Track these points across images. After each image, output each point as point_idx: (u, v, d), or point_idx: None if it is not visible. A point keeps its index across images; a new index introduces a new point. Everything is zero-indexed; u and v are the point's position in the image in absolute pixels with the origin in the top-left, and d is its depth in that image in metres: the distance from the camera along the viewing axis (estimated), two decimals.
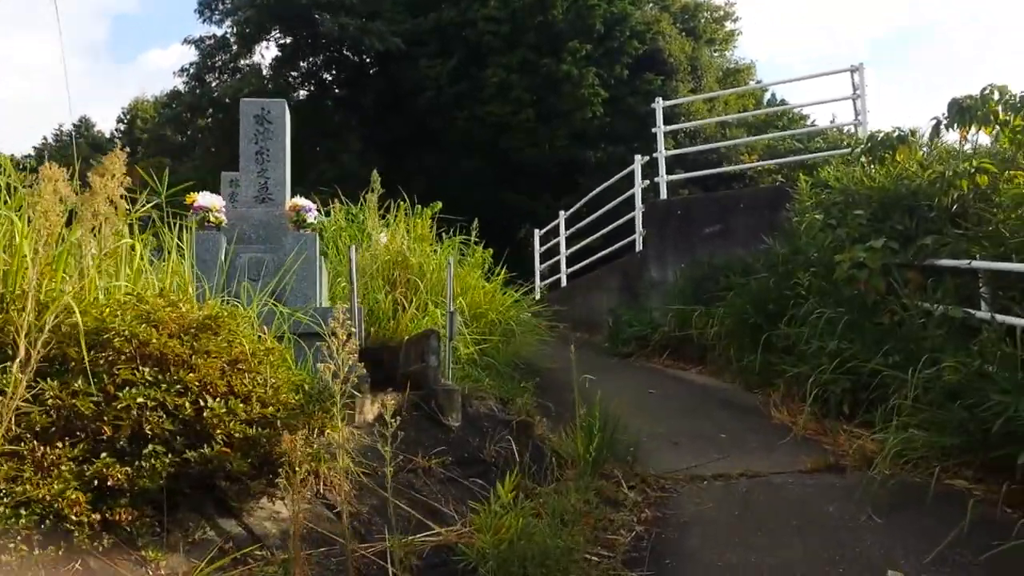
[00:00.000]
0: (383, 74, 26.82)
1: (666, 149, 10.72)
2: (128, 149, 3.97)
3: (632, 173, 11.05)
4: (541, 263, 14.38)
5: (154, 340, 2.99)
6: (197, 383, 3.05)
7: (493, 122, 22.98)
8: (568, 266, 13.27)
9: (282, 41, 28.51)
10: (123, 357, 2.94)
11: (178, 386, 3.01)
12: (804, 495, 4.64)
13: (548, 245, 14.09)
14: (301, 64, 29.42)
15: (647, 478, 4.92)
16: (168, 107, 29.99)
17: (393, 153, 26.10)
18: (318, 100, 29.64)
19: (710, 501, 4.61)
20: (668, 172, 10.67)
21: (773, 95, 29.63)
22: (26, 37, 76.06)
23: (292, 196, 6.10)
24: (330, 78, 29.43)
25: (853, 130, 10.86)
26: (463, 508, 4.06)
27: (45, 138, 47.86)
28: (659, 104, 10.91)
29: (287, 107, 6.18)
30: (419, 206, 8.77)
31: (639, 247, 10.73)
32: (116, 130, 44.68)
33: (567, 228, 13.16)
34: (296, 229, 5.70)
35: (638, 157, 11.08)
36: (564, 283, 13.24)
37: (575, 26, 23.56)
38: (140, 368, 2.98)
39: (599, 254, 12.15)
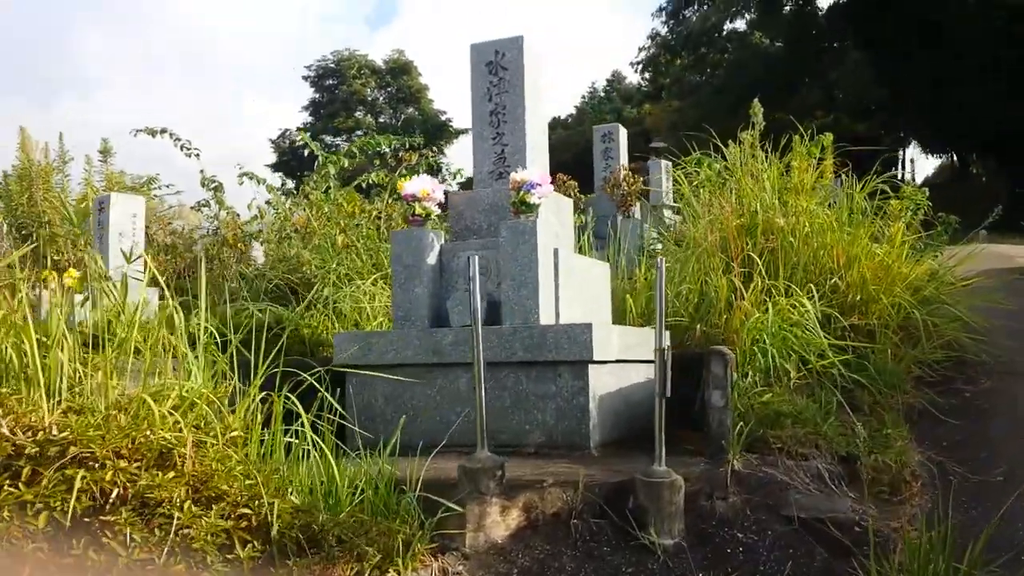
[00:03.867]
0: None
1: None
2: None
3: None
4: None
5: None
6: None
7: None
8: None
9: None
10: None
11: None
12: None
13: None
14: None
15: None
16: (644, 50, 29.60)
17: (889, 62, 22.03)
18: (805, 15, 26.46)
19: None
20: None
21: None
22: None
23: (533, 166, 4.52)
24: None
25: None
26: None
27: (583, 96, 51.83)
28: None
29: (524, 45, 4.56)
30: (809, 143, 6.39)
31: None
32: (643, 78, 44.58)
33: None
34: (516, 215, 4.13)
35: None
36: None
37: None
38: None
39: None
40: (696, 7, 27.60)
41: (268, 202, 7.96)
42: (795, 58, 25.86)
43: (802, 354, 4.51)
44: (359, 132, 36.23)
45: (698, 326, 5.14)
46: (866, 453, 3.83)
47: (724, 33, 29.52)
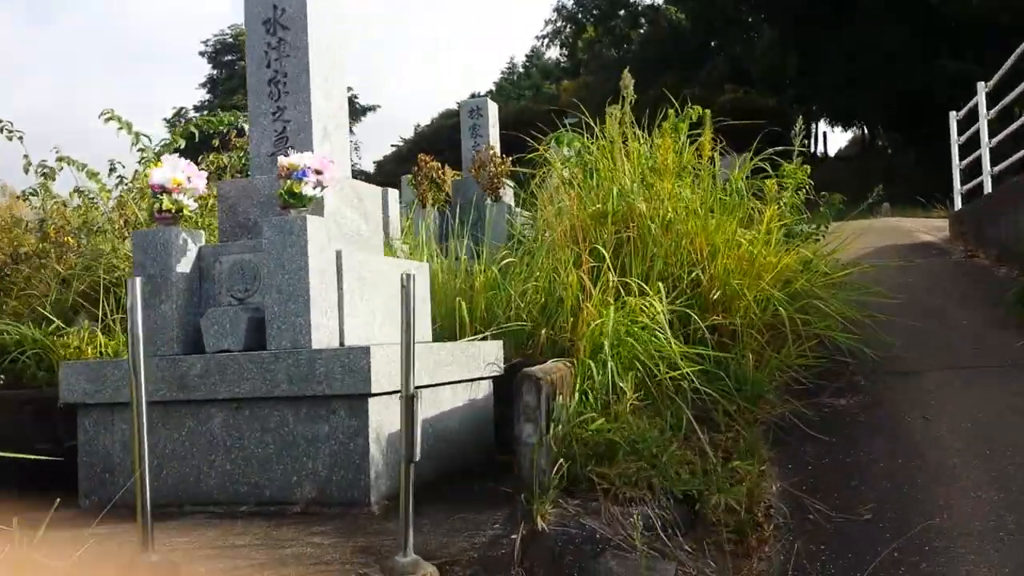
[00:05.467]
0: None
1: None
2: None
3: None
4: (961, 159, 9.88)
5: None
6: None
7: None
8: (994, 163, 8.75)
9: None
10: None
11: None
12: None
13: (970, 132, 9.57)
14: None
15: None
16: (550, 23, 28.86)
17: (800, 33, 21.77)
18: None
19: None
20: None
21: None
22: None
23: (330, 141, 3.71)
24: None
25: None
26: None
27: (502, 72, 51.08)
28: None
29: None
30: (677, 119, 5.67)
31: None
32: (561, 53, 44.07)
33: (992, 106, 8.61)
34: (284, 209, 3.32)
35: None
36: (988, 188, 8.77)
37: None
38: None
39: None
40: None
41: (77, 189, 6.93)
42: (702, 31, 25.44)
43: (649, 364, 3.82)
44: None
45: (543, 331, 4.43)
46: (710, 491, 3.16)
47: (636, 6, 28.98)
